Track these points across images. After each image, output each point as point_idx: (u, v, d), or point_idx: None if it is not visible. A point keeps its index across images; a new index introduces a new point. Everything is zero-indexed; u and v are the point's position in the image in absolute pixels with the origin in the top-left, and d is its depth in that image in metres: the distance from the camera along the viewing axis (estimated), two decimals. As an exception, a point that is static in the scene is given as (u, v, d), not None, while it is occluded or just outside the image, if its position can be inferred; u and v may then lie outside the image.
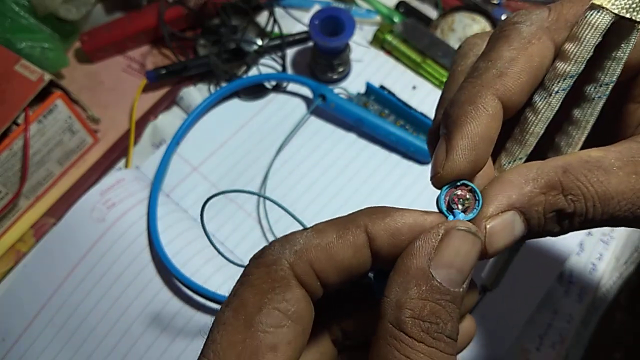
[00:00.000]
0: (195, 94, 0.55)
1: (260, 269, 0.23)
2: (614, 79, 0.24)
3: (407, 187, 0.51)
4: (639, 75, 0.26)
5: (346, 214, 0.24)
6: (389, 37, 0.57)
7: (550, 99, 0.24)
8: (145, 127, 0.54)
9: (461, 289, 0.21)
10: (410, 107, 0.53)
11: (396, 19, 0.59)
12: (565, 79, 0.24)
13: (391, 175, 0.52)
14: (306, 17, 0.59)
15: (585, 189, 0.23)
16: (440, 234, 0.22)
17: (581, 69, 0.24)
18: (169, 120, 0.54)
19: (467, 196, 0.23)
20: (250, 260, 0.23)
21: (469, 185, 0.23)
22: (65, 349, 0.45)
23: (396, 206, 0.23)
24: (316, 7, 0.60)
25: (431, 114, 0.54)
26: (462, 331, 0.26)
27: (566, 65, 0.24)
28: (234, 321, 0.21)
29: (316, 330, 0.26)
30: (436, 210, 0.23)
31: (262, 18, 0.59)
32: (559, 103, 0.24)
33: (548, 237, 0.49)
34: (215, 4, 0.56)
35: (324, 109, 0.53)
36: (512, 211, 0.23)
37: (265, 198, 0.37)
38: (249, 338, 0.21)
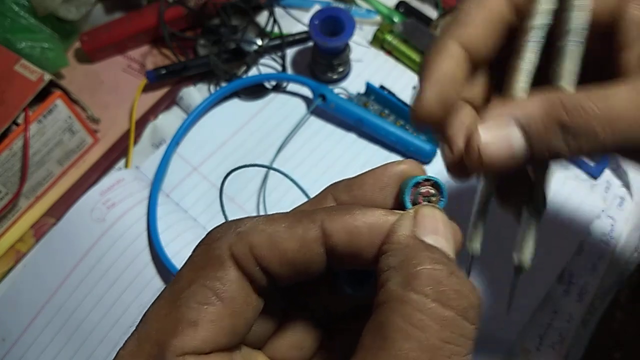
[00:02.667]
0: (195, 94, 0.55)
1: (202, 247, 0.22)
2: (581, 26, 0.25)
3: (407, 187, 0.51)
4: (617, 21, 0.26)
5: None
6: (389, 37, 0.57)
7: (525, 49, 0.26)
8: (145, 127, 0.54)
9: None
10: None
11: (396, 19, 0.59)
12: (533, 29, 0.26)
13: (391, 175, 0.52)
14: (306, 17, 0.59)
15: (593, 107, 0.23)
16: (412, 212, 0.21)
17: (547, 20, 0.26)
18: (169, 120, 0.54)
19: (432, 191, 0.22)
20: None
21: (432, 180, 0.22)
22: (65, 349, 0.45)
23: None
24: (316, 7, 0.60)
25: (431, 114, 0.54)
26: None
27: (532, 20, 0.26)
28: (166, 294, 0.21)
29: (294, 310, 0.25)
30: (400, 211, 0.22)
31: (262, 18, 0.59)
32: (536, 53, 0.26)
33: (548, 238, 0.49)
34: (215, 4, 0.56)
35: (324, 109, 0.53)
36: (511, 122, 0.24)
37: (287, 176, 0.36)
38: (173, 311, 0.20)
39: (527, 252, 0.28)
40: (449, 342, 0.18)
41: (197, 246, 0.22)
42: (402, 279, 0.19)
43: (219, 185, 0.51)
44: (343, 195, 0.24)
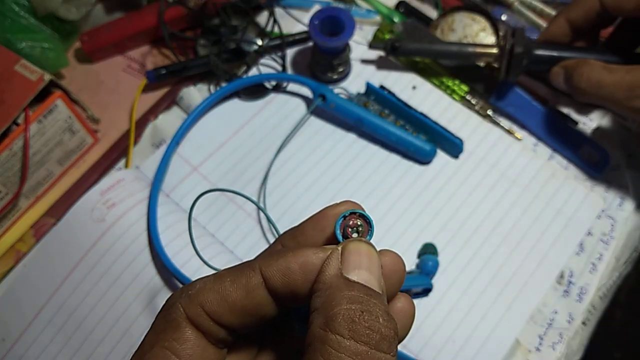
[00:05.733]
0: (195, 94, 0.55)
1: (161, 313, 0.25)
2: None
3: (407, 187, 0.51)
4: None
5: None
6: (389, 37, 0.57)
7: None
8: (145, 127, 0.54)
9: (380, 291, 0.22)
10: (410, 107, 0.53)
11: (396, 19, 0.59)
12: None
13: (391, 175, 0.52)
14: (306, 17, 0.59)
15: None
16: (340, 249, 0.23)
17: None
18: (169, 120, 0.54)
19: (359, 223, 0.24)
20: None
21: (358, 212, 0.24)
22: (65, 349, 0.45)
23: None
24: (316, 7, 0.60)
25: (431, 114, 0.54)
26: (398, 311, 0.26)
27: None
28: (132, 358, 0.24)
29: (266, 355, 0.27)
30: (331, 245, 0.24)
31: (262, 18, 0.59)
32: None
33: (547, 238, 0.50)
34: (215, 4, 0.56)
35: (324, 109, 0.53)
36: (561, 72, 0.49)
37: (253, 201, 0.37)
38: None
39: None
40: None
41: (158, 313, 0.25)
42: (323, 321, 0.21)
43: (219, 185, 0.51)
44: (290, 242, 0.27)
